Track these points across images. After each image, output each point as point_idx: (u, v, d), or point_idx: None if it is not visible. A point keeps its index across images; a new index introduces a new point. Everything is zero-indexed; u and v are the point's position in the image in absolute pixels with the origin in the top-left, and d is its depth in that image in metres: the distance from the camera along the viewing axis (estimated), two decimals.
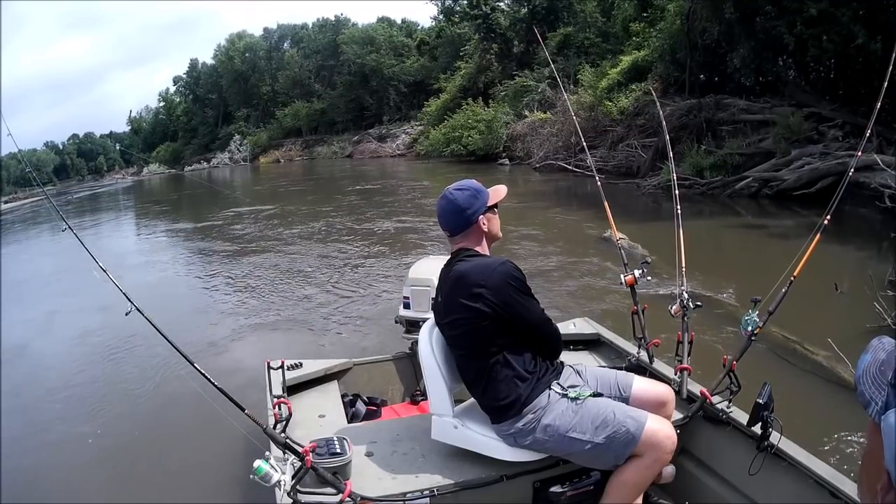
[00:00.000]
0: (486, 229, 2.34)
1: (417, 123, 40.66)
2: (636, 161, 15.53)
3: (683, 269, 2.91)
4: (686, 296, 2.76)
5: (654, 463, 2.16)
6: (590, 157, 4.94)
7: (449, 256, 2.42)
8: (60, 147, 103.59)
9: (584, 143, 5.63)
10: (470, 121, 27.52)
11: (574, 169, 17.62)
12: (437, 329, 2.45)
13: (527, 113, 24.51)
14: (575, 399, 2.22)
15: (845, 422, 3.43)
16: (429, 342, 2.41)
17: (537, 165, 20.43)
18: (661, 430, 2.15)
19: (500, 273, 2.19)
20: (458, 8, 36.38)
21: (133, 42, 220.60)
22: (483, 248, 2.35)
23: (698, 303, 2.81)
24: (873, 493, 0.98)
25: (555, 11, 29.15)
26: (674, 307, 2.77)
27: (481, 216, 2.32)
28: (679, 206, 3.20)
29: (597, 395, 2.29)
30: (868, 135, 3.34)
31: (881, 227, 7.95)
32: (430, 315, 3.12)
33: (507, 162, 24.07)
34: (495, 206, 2.38)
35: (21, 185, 66.72)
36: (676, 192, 3.34)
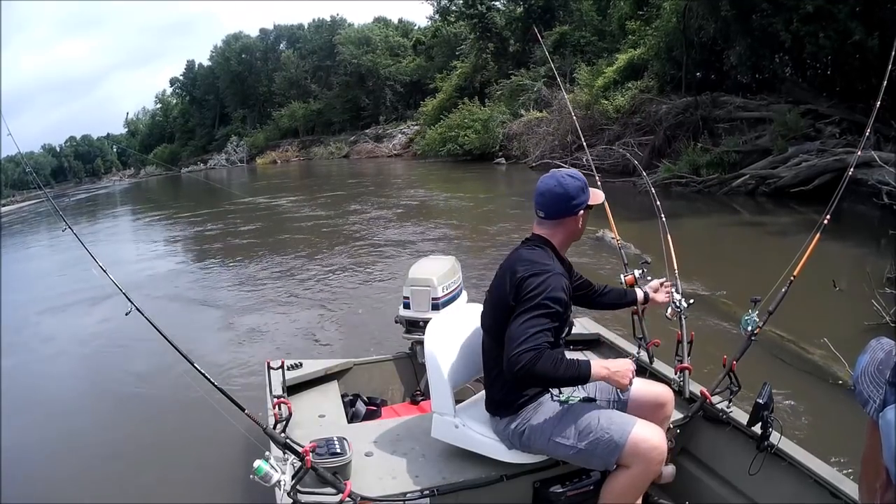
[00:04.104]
0: (580, 225, 2.31)
1: (414, 123, 40.66)
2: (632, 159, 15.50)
3: (675, 271, 2.91)
4: (678, 297, 2.75)
5: (643, 475, 2.09)
6: (588, 155, 4.91)
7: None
8: (58, 150, 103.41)
9: (584, 142, 5.61)
10: (466, 120, 27.45)
11: (570, 168, 17.58)
12: (441, 328, 2.45)
13: (523, 112, 24.48)
14: (565, 402, 2.19)
15: (845, 421, 3.42)
16: (434, 340, 2.41)
17: (534, 164, 20.40)
18: (646, 440, 2.07)
19: (543, 278, 2.08)
20: (454, 7, 36.25)
21: (132, 44, 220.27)
22: (562, 245, 2.30)
23: (691, 300, 2.80)
24: (872, 491, 0.99)
25: (551, 10, 29.12)
26: (669, 310, 2.77)
27: (582, 210, 2.28)
28: (664, 216, 3.23)
29: (588, 399, 2.26)
30: (867, 131, 3.33)
31: (879, 223, 7.96)
32: (431, 314, 3.11)
33: (504, 161, 24.06)
34: (590, 207, 2.33)
35: (18, 188, 66.59)
36: (657, 203, 3.34)
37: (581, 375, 2.04)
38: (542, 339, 1.99)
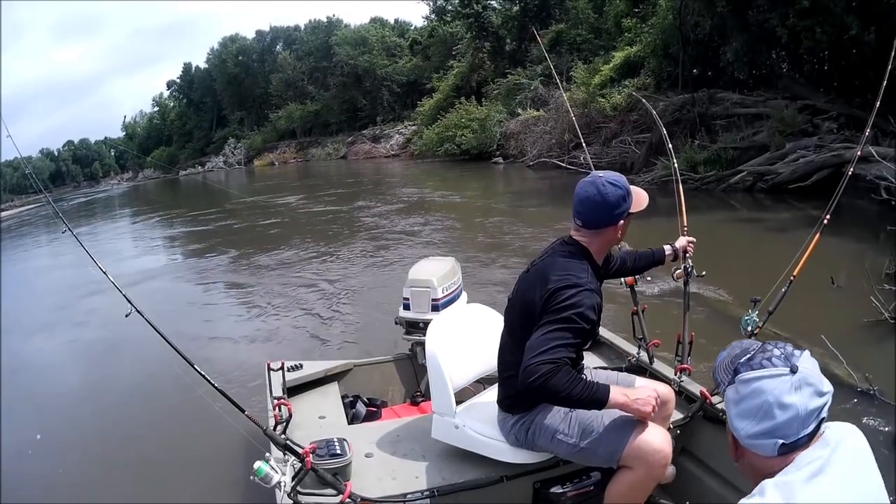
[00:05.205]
0: (619, 234, 2.20)
1: (411, 123, 40.60)
2: (630, 157, 15.52)
3: (685, 229, 2.94)
4: (690, 263, 2.74)
5: (645, 477, 2.07)
6: (587, 153, 4.91)
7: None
8: (56, 154, 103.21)
9: (583, 140, 5.60)
10: (463, 120, 27.42)
11: (568, 166, 17.59)
12: (442, 329, 2.45)
13: (520, 111, 24.46)
14: None
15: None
16: (436, 341, 2.41)
17: (531, 163, 20.40)
18: (648, 442, 2.04)
19: (574, 291, 2.03)
20: (450, 7, 36.25)
21: (130, 47, 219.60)
22: (599, 252, 2.22)
23: (703, 272, 2.79)
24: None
25: (547, 8, 29.10)
26: (676, 272, 2.75)
27: (622, 220, 2.17)
28: (680, 178, 3.28)
29: None
30: (867, 130, 3.33)
31: (878, 219, 7.92)
32: (431, 315, 3.10)
33: (501, 160, 24.07)
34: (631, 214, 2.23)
35: (17, 193, 66.56)
36: (677, 174, 3.33)
37: (597, 399, 1.96)
38: (563, 354, 1.93)
